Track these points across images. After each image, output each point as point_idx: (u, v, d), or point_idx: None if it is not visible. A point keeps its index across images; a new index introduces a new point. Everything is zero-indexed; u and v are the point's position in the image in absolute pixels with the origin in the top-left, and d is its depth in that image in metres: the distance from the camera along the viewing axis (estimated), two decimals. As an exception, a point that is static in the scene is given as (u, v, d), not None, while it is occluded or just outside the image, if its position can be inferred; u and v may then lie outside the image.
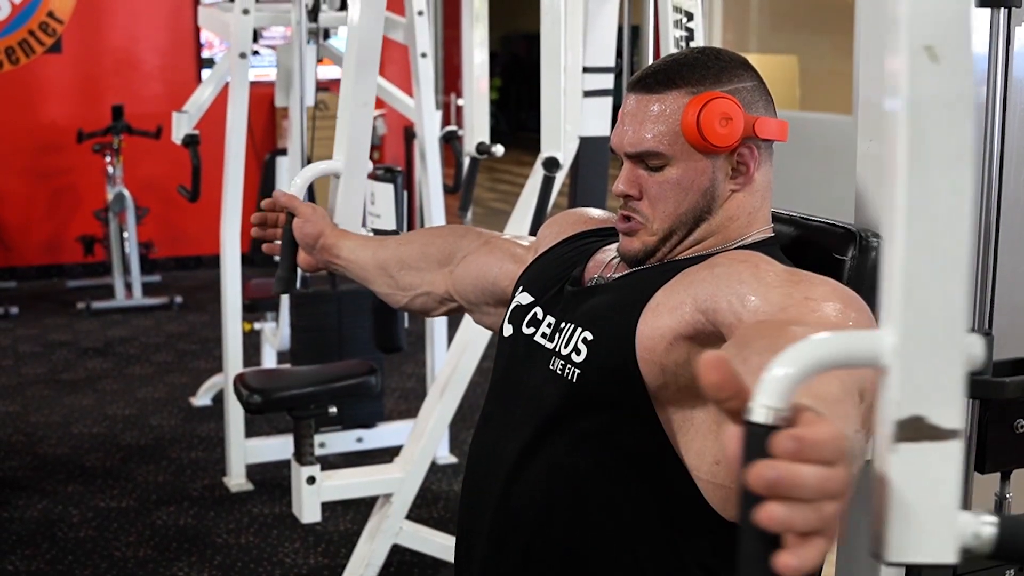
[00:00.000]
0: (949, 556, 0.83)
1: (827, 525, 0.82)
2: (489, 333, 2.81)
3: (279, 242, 2.27)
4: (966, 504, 1.94)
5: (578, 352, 1.62)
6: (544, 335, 1.69)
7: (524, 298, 1.78)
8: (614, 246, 1.75)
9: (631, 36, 4.04)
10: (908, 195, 0.83)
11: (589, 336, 1.61)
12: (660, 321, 1.54)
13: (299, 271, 2.27)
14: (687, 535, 1.58)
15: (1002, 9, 1.86)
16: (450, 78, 8.92)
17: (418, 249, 2.11)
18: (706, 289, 1.52)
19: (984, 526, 0.84)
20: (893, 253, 0.83)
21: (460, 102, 7.79)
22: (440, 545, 3.77)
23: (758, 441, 0.83)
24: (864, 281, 1.69)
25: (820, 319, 1.38)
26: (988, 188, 1.86)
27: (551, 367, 1.65)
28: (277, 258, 2.26)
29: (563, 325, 1.67)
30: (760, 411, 0.83)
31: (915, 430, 0.83)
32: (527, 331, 1.73)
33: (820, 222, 1.79)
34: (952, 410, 0.83)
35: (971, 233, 0.81)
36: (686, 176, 1.63)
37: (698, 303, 1.52)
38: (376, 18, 2.51)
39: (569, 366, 1.62)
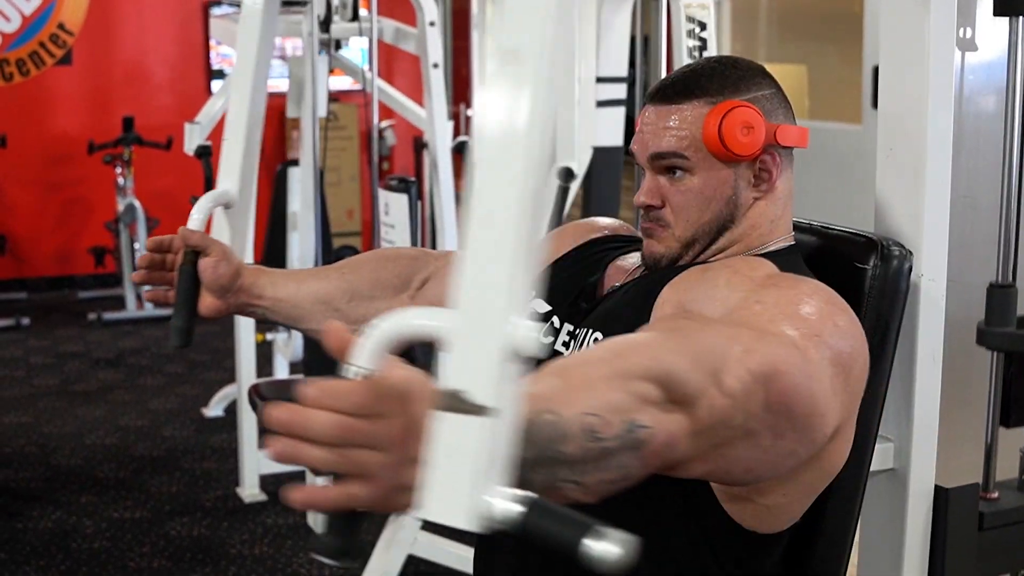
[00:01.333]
0: (469, 524, 0.90)
1: (360, 470, 0.93)
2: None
3: (171, 289, 1.93)
4: (990, 460, 1.94)
5: (597, 340, 1.62)
6: (564, 343, 1.69)
7: (540, 305, 1.78)
8: (635, 255, 1.75)
9: (643, 46, 4.05)
10: (473, 191, 0.93)
11: (600, 336, 1.61)
12: (662, 313, 1.56)
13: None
14: (712, 546, 1.58)
15: (1020, 18, 1.86)
16: (459, 89, 8.92)
17: (368, 276, 1.95)
18: (692, 290, 1.55)
19: (510, 504, 0.91)
20: (462, 241, 0.92)
21: (470, 112, 7.80)
22: (456, 555, 3.77)
23: None
24: (887, 290, 1.69)
25: (759, 322, 1.40)
26: (1008, 187, 1.87)
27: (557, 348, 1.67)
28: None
29: (579, 332, 1.67)
30: (348, 369, 0.95)
31: (455, 402, 0.90)
32: (546, 340, 1.73)
33: (841, 231, 1.79)
34: (488, 388, 0.90)
35: (523, 230, 0.91)
36: (708, 185, 1.63)
37: (683, 304, 1.54)
38: (273, 22, 2.39)
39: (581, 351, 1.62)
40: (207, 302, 1.89)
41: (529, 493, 0.92)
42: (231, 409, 5.54)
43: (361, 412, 0.92)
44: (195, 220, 2.01)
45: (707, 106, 1.62)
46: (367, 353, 0.95)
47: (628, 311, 1.61)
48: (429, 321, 0.96)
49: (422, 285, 1.94)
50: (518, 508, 0.91)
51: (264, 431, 3.66)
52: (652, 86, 1.71)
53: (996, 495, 1.95)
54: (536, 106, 0.91)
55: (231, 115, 2.25)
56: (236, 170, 2.23)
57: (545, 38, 0.91)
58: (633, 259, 1.75)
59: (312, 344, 4.89)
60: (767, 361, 1.30)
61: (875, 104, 6.90)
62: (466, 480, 0.90)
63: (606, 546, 0.90)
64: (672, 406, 1.19)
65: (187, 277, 1.88)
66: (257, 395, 3.12)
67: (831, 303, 1.48)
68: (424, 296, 1.92)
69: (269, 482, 4.79)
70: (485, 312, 0.91)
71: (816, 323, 1.42)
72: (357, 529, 0.97)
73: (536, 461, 1.03)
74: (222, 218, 2.19)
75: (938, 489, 1.87)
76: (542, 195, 0.92)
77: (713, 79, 1.65)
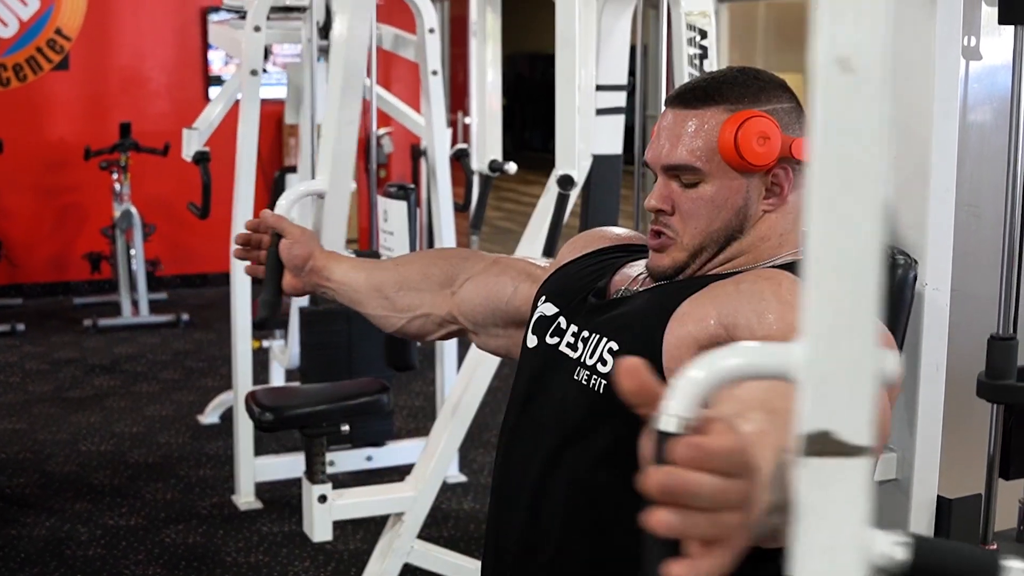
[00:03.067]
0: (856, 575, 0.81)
1: (726, 536, 0.83)
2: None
3: (262, 265, 2.16)
4: (989, 510, 1.93)
5: (604, 363, 1.61)
6: (569, 344, 1.68)
7: (548, 308, 1.77)
8: (642, 262, 1.74)
9: (644, 55, 4.04)
10: (821, 211, 0.81)
11: (615, 346, 1.60)
12: (685, 330, 1.54)
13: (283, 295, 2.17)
14: None
15: (1025, 27, 1.85)
16: (457, 96, 8.92)
17: (419, 270, 2.07)
18: (730, 303, 1.52)
19: (896, 547, 0.83)
20: (809, 267, 0.81)
21: (467, 120, 7.80)
22: (452, 564, 3.75)
23: (663, 448, 0.82)
24: (891, 298, 1.68)
25: None
26: (1012, 197, 1.86)
27: (576, 377, 1.64)
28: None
29: (587, 335, 1.66)
30: (666, 419, 0.83)
31: (823, 445, 0.81)
32: (551, 341, 1.72)
33: (846, 240, 1.78)
34: (860, 426, 0.81)
35: (879, 250, 0.80)
36: (720, 194, 1.63)
37: (721, 316, 1.52)
38: (365, 35, 2.48)
39: (595, 377, 1.61)
40: (288, 280, 2.12)
41: (905, 534, 0.84)
42: (227, 416, 5.52)
43: (736, 471, 0.83)
44: (281, 207, 2.27)
45: (726, 113, 1.62)
46: (691, 399, 0.84)
47: (641, 322, 1.60)
48: (774, 358, 0.86)
49: (464, 283, 2.01)
50: (904, 550, 0.84)
51: (265, 433, 3.59)
52: (673, 90, 1.70)
53: (995, 546, 1.94)
54: (880, 124, 0.81)
55: (325, 119, 2.45)
56: (328, 166, 2.47)
57: (883, 42, 0.81)
58: (640, 266, 1.74)
59: (309, 352, 4.88)
60: (885, 409, 1.32)
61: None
62: (850, 528, 0.81)
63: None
64: None
65: (272, 257, 2.11)
66: (254, 402, 3.10)
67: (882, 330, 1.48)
68: (461, 294, 2.01)
69: (264, 490, 4.78)
70: (848, 342, 0.81)
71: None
72: None
73: (780, 505, 0.92)
74: (319, 206, 2.41)
75: (940, 500, 1.86)
76: (886, 214, 0.81)
77: (734, 87, 1.64)
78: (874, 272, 0.81)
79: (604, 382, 1.60)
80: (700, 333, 1.53)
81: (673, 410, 0.84)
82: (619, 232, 1.93)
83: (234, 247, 2.20)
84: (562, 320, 1.72)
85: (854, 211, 0.81)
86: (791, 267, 1.64)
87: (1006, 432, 1.94)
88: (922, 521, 1.86)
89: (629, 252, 1.83)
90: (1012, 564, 0.84)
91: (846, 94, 0.81)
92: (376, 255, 3.68)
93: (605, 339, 1.63)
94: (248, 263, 2.19)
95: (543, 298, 1.80)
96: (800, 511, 0.81)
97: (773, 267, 1.64)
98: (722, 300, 1.54)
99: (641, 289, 1.70)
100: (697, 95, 1.65)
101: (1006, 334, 1.87)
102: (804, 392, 0.81)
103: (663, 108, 1.71)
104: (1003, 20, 1.86)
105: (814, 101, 0.81)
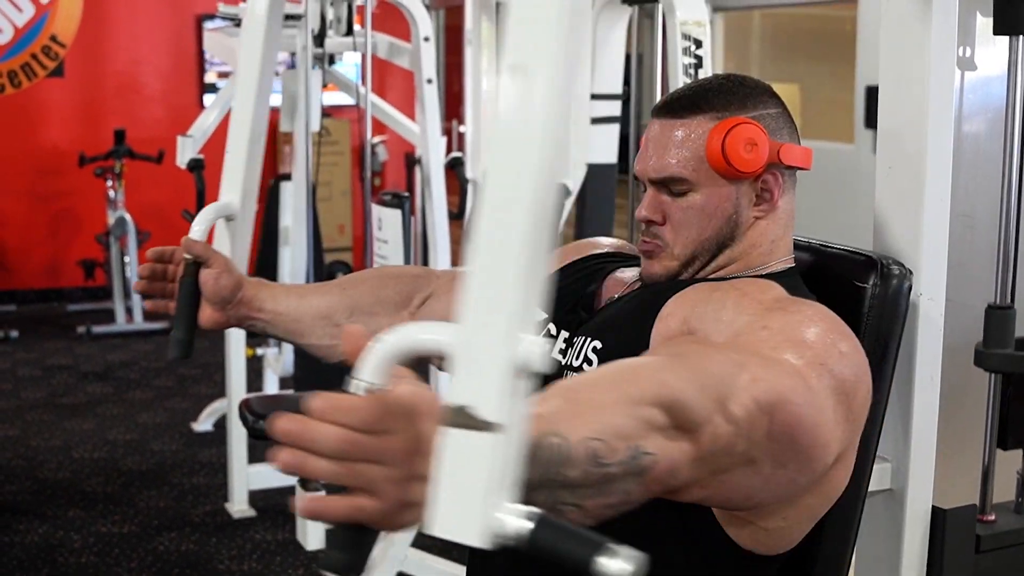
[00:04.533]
0: (479, 541, 0.90)
1: (365, 485, 0.93)
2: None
3: (167, 300, 1.95)
4: (987, 482, 1.93)
5: (589, 362, 1.61)
6: (560, 351, 1.69)
7: (537, 314, 1.76)
8: (634, 269, 1.74)
9: (639, 64, 4.05)
10: (481, 204, 0.92)
11: (599, 345, 1.61)
12: (664, 326, 1.55)
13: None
14: (710, 566, 1.56)
15: (1020, 37, 1.86)
16: (452, 105, 8.92)
17: (370, 292, 1.93)
18: (700, 306, 1.54)
19: (520, 521, 0.91)
20: (471, 255, 0.91)
21: (462, 129, 7.80)
22: (445, 572, 3.75)
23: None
24: (886, 309, 1.69)
25: (764, 348, 1.39)
26: (1007, 207, 1.86)
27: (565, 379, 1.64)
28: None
29: (575, 339, 1.66)
30: (355, 384, 0.95)
31: (461, 417, 0.90)
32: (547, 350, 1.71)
33: (840, 249, 1.78)
34: (495, 404, 0.89)
35: (532, 246, 0.90)
36: (710, 202, 1.63)
37: (688, 318, 1.54)
38: (276, 39, 2.41)
39: None
40: (207, 314, 1.90)
41: (536, 510, 0.91)
42: (220, 424, 5.52)
43: (367, 428, 0.92)
44: (197, 231, 1.98)
45: (712, 122, 1.62)
46: (373, 367, 0.95)
47: (627, 321, 1.60)
48: (434, 336, 0.96)
49: (423, 303, 1.92)
50: (528, 524, 0.91)
51: (259, 441, 3.58)
52: (659, 100, 1.70)
53: (993, 517, 1.94)
54: (546, 120, 0.90)
55: (233, 128, 2.24)
56: (238, 183, 2.22)
57: (553, 52, 0.90)
58: (632, 273, 1.75)
59: (304, 359, 4.87)
60: (773, 390, 1.29)
61: (868, 123, 6.97)
62: (475, 496, 0.90)
63: (619, 564, 0.89)
64: (677, 432, 1.18)
65: (188, 288, 1.88)
66: (247, 410, 3.10)
67: (836, 330, 1.47)
68: (424, 314, 1.91)
69: (258, 498, 4.77)
70: (492, 326, 0.90)
71: (820, 351, 1.41)
72: (366, 545, 0.98)
73: (539, 483, 1.03)
74: (223, 230, 2.18)
75: (935, 510, 1.86)
76: (551, 209, 0.91)
77: (720, 95, 1.64)
78: (522, 265, 0.90)
79: None
80: (670, 332, 1.54)
81: (361, 377, 0.95)
82: (611, 241, 1.94)
83: (138, 282, 1.96)
84: (551, 326, 1.72)
85: (510, 208, 0.91)
86: (782, 275, 1.65)
87: (1004, 402, 1.93)
88: (917, 532, 1.86)
89: (621, 259, 1.83)
90: (617, 550, 0.90)
91: (518, 95, 0.90)
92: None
93: (589, 339, 1.63)
94: (151, 299, 1.96)
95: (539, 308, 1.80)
96: (437, 477, 0.91)
97: (763, 275, 1.64)
98: (694, 302, 1.55)
99: (630, 291, 1.70)
100: (683, 104, 1.65)
101: (1003, 303, 1.87)
102: (454, 368, 0.91)
103: (650, 119, 1.72)
104: (998, 31, 1.86)
105: (496, 102, 0.90)
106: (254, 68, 2.32)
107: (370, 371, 0.95)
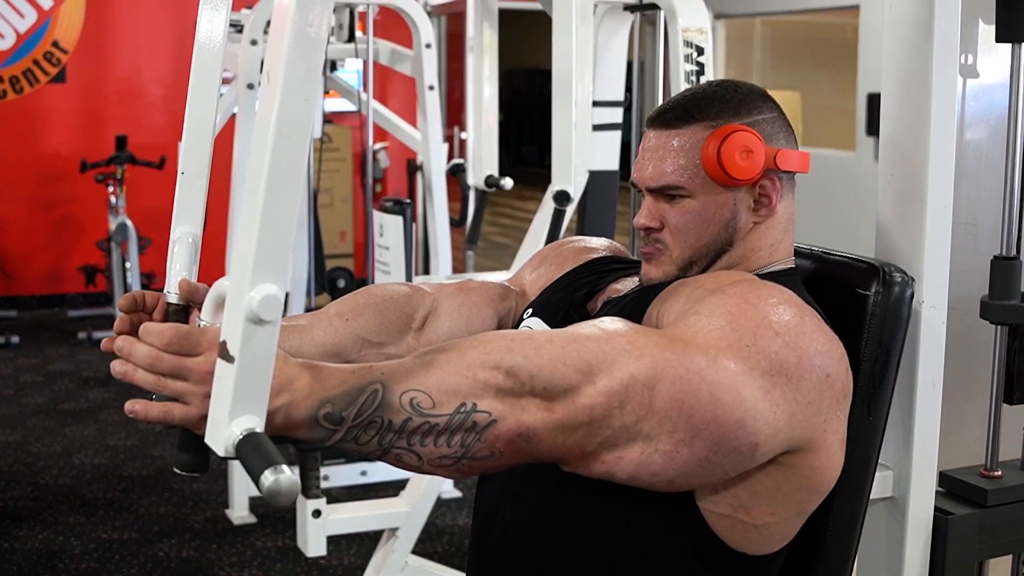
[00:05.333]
0: (221, 450, 1.16)
1: (171, 394, 1.24)
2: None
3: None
4: (993, 437, 1.93)
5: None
6: None
7: (534, 323, 1.76)
8: (633, 279, 1.74)
9: (640, 71, 4.05)
10: (247, 170, 1.19)
11: None
12: (649, 321, 1.56)
13: None
14: (701, 562, 1.56)
15: (1022, 44, 1.86)
16: (453, 111, 8.93)
17: (373, 320, 1.78)
18: (667, 303, 1.56)
19: (236, 433, 1.15)
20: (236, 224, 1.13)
21: (464, 135, 7.80)
22: (445, 580, 3.74)
23: None
24: (889, 316, 1.68)
25: (676, 329, 1.44)
26: (1009, 214, 1.86)
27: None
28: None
29: None
30: (196, 322, 1.38)
31: (221, 350, 1.16)
32: None
33: (842, 256, 1.78)
34: (234, 340, 1.15)
35: (269, 210, 1.15)
36: (707, 208, 1.63)
37: (660, 317, 1.55)
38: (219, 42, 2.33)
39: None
40: None
41: (254, 428, 1.16)
42: (221, 430, 5.51)
43: (167, 348, 1.22)
44: (176, 271, 1.61)
45: (707, 130, 1.62)
46: (206, 310, 1.28)
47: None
48: (222, 286, 1.25)
49: (423, 324, 1.82)
50: (238, 436, 1.15)
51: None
52: (653, 111, 1.70)
53: (999, 473, 1.93)
54: (284, 101, 1.14)
55: (186, 153, 1.83)
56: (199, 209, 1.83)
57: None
58: (631, 283, 1.74)
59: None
60: (654, 365, 1.35)
61: (869, 131, 6.97)
62: (221, 412, 1.16)
63: (278, 480, 1.11)
64: (531, 398, 1.30)
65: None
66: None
67: (780, 314, 1.46)
68: (428, 335, 1.81)
69: (259, 504, 4.76)
70: (238, 279, 1.15)
71: (750, 332, 1.41)
72: (201, 448, 1.24)
73: (360, 423, 1.25)
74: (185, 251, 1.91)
75: (937, 518, 1.86)
76: (296, 173, 1.16)
77: (713, 103, 1.64)
78: (257, 228, 1.14)
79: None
80: (653, 321, 1.56)
81: (202, 317, 1.30)
82: (601, 242, 1.94)
83: (107, 340, 1.55)
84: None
85: (256, 179, 1.15)
86: (781, 275, 1.64)
87: (1010, 355, 1.92)
88: (918, 540, 1.85)
89: (619, 266, 1.83)
90: (284, 470, 1.12)
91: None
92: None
93: None
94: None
95: (530, 311, 1.80)
96: (212, 396, 1.19)
97: (761, 276, 1.64)
98: (665, 297, 1.57)
99: (625, 297, 1.70)
100: (677, 114, 1.65)
101: (1009, 254, 1.87)
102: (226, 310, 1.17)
103: (644, 129, 1.72)
104: (1000, 38, 1.87)
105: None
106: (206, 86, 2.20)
107: (206, 313, 1.29)
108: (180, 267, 1.65)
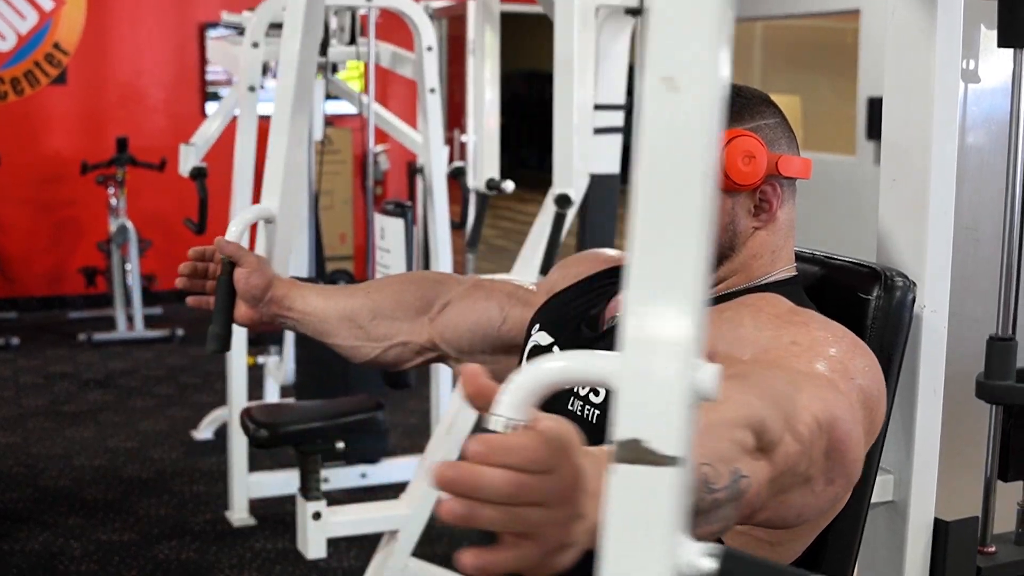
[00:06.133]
0: None
1: (531, 530, 0.86)
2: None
3: (206, 295, 2.05)
4: (987, 513, 1.93)
5: (596, 392, 1.59)
6: None
7: (543, 338, 1.75)
8: None
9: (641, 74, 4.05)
10: (641, 221, 0.83)
11: None
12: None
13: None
14: None
15: (1024, 50, 1.86)
16: (454, 114, 8.93)
17: (392, 297, 1.98)
18: (713, 329, 1.51)
19: (704, 559, 0.84)
20: (630, 280, 0.82)
21: (465, 138, 7.80)
22: (446, 583, 3.74)
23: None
24: (890, 321, 1.68)
25: (799, 363, 1.39)
26: (1011, 219, 1.86)
27: (570, 407, 1.62)
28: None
29: None
30: (496, 421, 0.88)
31: (634, 452, 0.82)
32: None
33: (844, 261, 1.78)
34: (671, 436, 0.82)
35: (703, 267, 0.82)
36: None
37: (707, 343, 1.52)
38: (314, 48, 2.47)
39: (588, 407, 1.59)
40: (242, 311, 2.00)
41: (714, 544, 0.85)
42: (221, 432, 5.51)
43: (535, 468, 0.86)
44: (232, 232, 2.12)
45: None
46: (516, 402, 0.89)
47: None
48: (596, 366, 0.90)
49: (442, 309, 1.95)
50: (712, 562, 0.84)
51: (259, 449, 3.56)
52: None
53: (994, 549, 1.93)
54: (701, 136, 0.83)
55: (273, 134, 2.32)
56: (277, 187, 2.31)
57: (705, 63, 0.83)
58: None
59: (305, 368, 4.88)
60: (828, 408, 1.29)
61: (870, 135, 6.98)
62: (656, 535, 0.82)
63: None
64: (760, 454, 1.16)
65: (224, 286, 1.99)
66: (249, 419, 3.10)
67: (855, 342, 1.47)
68: (442, 320, 1.94)
69: (258, 506, 4.76)
70: (665, 358, 0.82)
71: (849, 365, 1.41)
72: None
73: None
74: (262, 233, 2.29)
75: (938, 522, 1.86)
76: (711, 224, 0.84)
77: None
78: (695, 289, 0.82)
79: (597, 412, 1.58)
80: None
81: (500, 412, 0.88)
82: (612, 253, 1.92)
83: (179, 278, 2.06)
84: (557, 350, 1.71)
85: (676, 229, 0.82)
86: (784, 284, 1.64)
87: (1004, 434, 1.93)
88: (919, 544, 1.85)
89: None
90: None
91: (671, 110, 0.82)
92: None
93: None
94: (193, 295, 2.06)
95: (537, 326, 1.78)
96: (609, 516, 0.82)
97: (763, 285, 1.63)
98: (737, 316, 1.54)
99: None
100: None
101: (1005, 335, 1.87)
102: (621, 400, 0.83)
103: None
104: (1002, 43, 1.87)
105: (642, 116, 0.83)
106: (291, 73, 2.40)
107: (513, 406, 0.88)
108: (235, 230, 2.13)
